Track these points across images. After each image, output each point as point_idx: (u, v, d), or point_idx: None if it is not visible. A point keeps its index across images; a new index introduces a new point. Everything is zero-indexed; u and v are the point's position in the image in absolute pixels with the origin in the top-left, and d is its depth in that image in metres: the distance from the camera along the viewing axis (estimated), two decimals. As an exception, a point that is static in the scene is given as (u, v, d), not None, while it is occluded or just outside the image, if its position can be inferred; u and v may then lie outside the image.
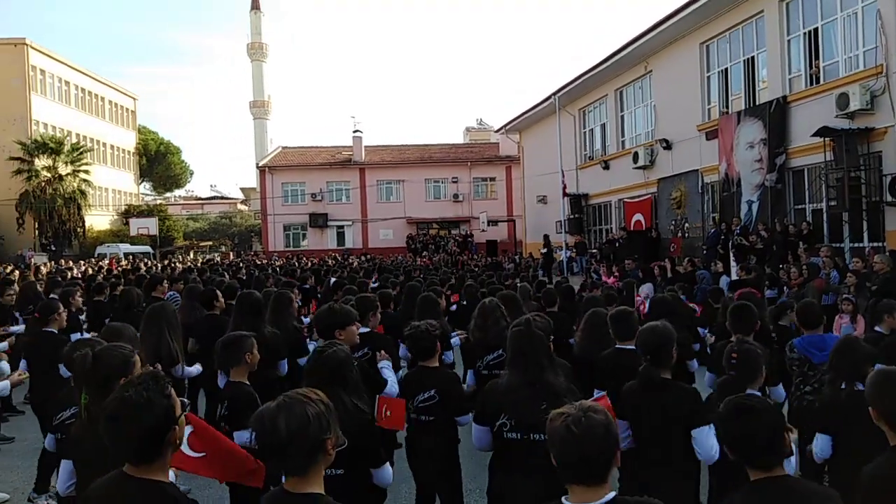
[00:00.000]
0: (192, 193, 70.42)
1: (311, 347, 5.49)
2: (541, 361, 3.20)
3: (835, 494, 2.15)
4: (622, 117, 23.23)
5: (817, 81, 14.35)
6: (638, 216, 21.50)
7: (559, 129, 24.98)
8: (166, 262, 27.69)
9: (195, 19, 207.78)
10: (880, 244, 12.38)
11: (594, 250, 23.25)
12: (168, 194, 57.75)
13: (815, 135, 13.21)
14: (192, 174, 55.37)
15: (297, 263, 22.02)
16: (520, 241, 33.19)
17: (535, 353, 3.21)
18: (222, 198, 72.12)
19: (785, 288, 10.35)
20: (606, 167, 23.70)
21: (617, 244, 20.32)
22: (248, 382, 3.94)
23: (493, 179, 40.47)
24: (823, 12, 14.08)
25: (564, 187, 24.72)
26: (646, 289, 10.10)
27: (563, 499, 1.99)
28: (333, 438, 2.04)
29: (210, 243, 49.01)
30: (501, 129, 34.01)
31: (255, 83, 77.92)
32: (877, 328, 5.22)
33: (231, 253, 37.71)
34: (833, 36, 13.98)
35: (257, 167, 41.65)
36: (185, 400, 2.22)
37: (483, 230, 34.54)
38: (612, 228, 23.58)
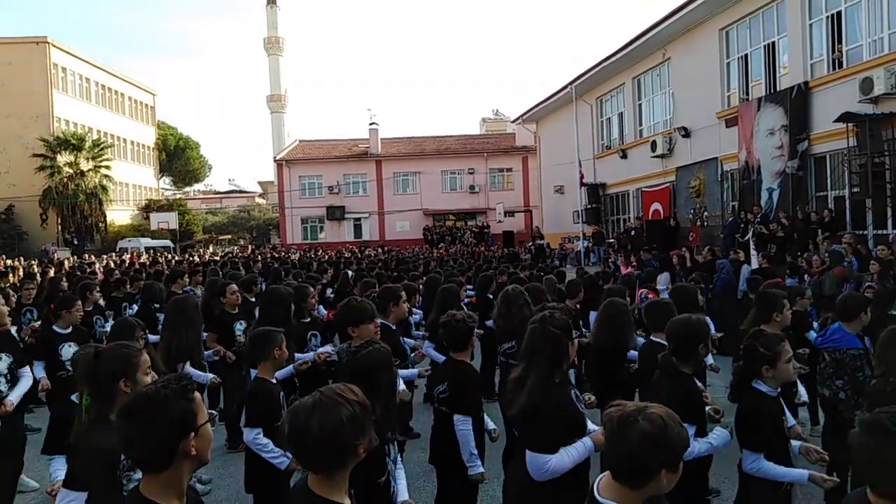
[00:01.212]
0: (210, 187, 71.02)
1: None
2: (539, 361, 3.09)
3: None
4: (640, 105, 22.97)
5: (840, 66, 14.07)
6: (656, 205, 21.29)
7: (576, 118, 24.79)
8: (186, 255, 28.02)
9: (209, 11, 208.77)
10: (905, 231, 12.16)
11: (612, 240, 23.09)
12: (187, 188, 58.32)
13: (837, 120, 12.98)
14: (210, 168, 55.95)
15: (313, 256, 22.14)
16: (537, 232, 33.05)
17: (539, 351, 3.11)
18: (240, 191, 72.61)
19: (806, 276, 10.20)
20: (624, 156, 23.49)
21: (632, 233, 20.16)
22: (273, 380, 3.91)
23: (509, 170, 40.30)
24: (847, -6, 13.80)
25: (582, 177, 24.53)
26: (663, 278, 10.00)
27: (596, 486, 2.03)
28: (366, 442, 1.98)
29: (229, 237, 49.45)
30: (518, 119, 33.82)
31: (272, 77, 78.22)
32: (892, 312, 5.14)
33: (250, 246, 38.04)
34: (857, 19, 13.69)
35: (275, 161, 41.89)
36: (213, 412, 2.14)
37: (499, 221, 34.47)
38: (629, 218, 23.40)
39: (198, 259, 22.41)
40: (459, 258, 20.89)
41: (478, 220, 37.83)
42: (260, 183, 70.72)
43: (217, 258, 22.90)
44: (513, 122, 37.63)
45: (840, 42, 14.12)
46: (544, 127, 31.40)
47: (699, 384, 3.50)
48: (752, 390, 3.28)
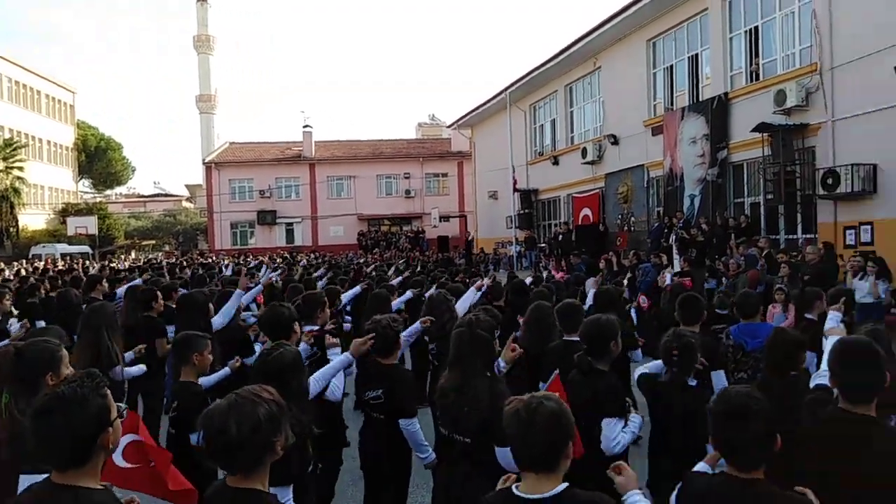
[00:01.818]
0: (133, 191, 68.39)
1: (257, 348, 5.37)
2: (475, 365, 3.23)
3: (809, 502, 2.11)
4: (571, 113, 23.50)
5: (757, 78, 14.79)
6: (586, 210, 21.81)
7: (510, 124, 25.15)
8: (106, 261, 26.76)
9: (135, 8, 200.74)
10: (813, 236, 12.87)
11: (543, 245, 23.49)
12: (108, 192, 55.72)
13: (753, 130, 13.60)
14: (134, 171, 53.71)
15: (243, 262, 21.49)
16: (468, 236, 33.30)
17: (472, 355, 3.25)
18: (166, 195, 70.09)
19: (724, 279, 10.68)
20: (556, 162, 23.96)
21: (560, 238, 20.59)
22: (198, 382, 3.88)
23: (444, 175, 40.48)
24: (763, 11, 14.52)
25: (515, 183, 24.88)
26: (590, 282, 10.22)
27: (513, 487, 2.05)
28: (283, 440, 2.02)
29: (153, 242, 47.60)
30: (453, 124, 34.03)
31: (202, 76, 75.83)
32: (807, 315, 5.40)
33: (176, 252, 36.68)
34: (772, 34, 14.44)
35: (203, 163, 40.59)
36: (122, 405, 2.12)
37: (435, 226, 34.52)
38: (561, 223, 23.89)
39: (118, 266, 21.39)
40: (394, 263, 20.74)
41: (413, 225, 37.80)
42: (187, 186, 68.36)
43: (139, 264, 21.95)
44: (448, 127, 37.85)
45: (757, 55, 14.85)
46: (479, 132, 31.70)
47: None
48: (700, 385, 3.56)
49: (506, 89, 25.39)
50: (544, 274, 14.55)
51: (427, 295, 6.20)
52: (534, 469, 2.03)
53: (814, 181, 12.65)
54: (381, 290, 6.97)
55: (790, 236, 13.67)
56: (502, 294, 6.99)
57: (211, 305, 5.52)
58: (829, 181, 11.87)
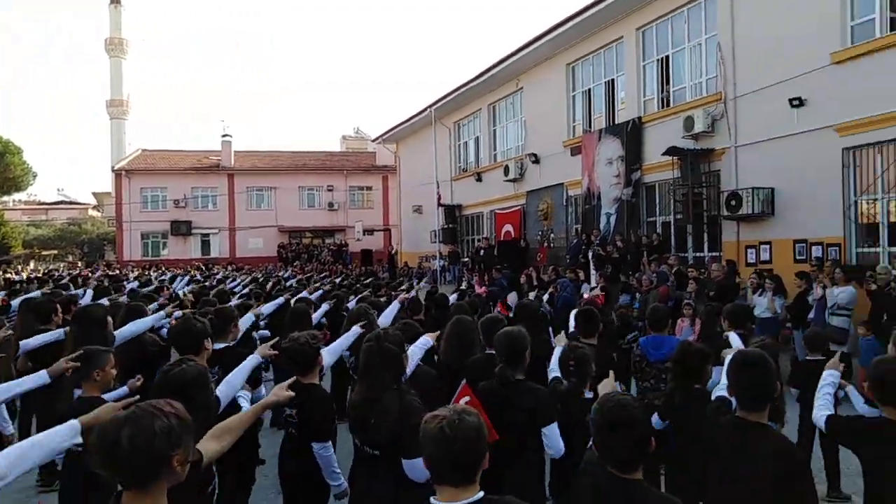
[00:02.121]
0: (34, 198, 64.13)
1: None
2: (384, 378, 3.26)
3: (677, 502, 2.27)
4: (495, 131, 23.95)
5: (668, 104, 15.57)
6: (508, 227, 22.21)
7: (435, 140, 25.33)
8: (0, 272, 24.89)
9: (44, 8, 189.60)
10: (718, 254, 13.64)
11: (466, 259, 23.73)
12: (6, 198, 51.93)
13: (664, 154, 14.27)
14: (35, 177, 50.07)
15: (151, 274, 20.53)
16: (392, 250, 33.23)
17: (380, 368, 3.28)
18: (70, 203, 66.12)
19: (637, 294, 11.12)
20: (479, 179, 24.31)
21: (481, 253, 20.90)
22: (102, 397, 3.65)
23: (369, 189, 40.26)
24: (674, 41, 15.34)
25: (439, 198, 25.06)
26: (512, 297, 10.45)
27: (431, 499, 2.04)
28: (182, 454, 1.92)
29: (55, 252, 44.68)
30: (378, 138, 33.93)
31: (114, 81, 72.35)
32: (719, 330, 5.69)
33: (80, 262, 34.54)
34: (681, 64, 15.27)
35: (113, 170, 38.61)
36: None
37: (358, 239, 34.23)
38: (483, 238, 24.21)
39: (14, 276, 19.95)
40: (315, 276, 20.37)
41: (336, 238, 37.31)
42: (95, 194, 64.78)
43: (39, 275, 20.54)
44: (373, 140, 37.71)
45: (668, 83, 15.65)
46: (404, 147, 31.77)
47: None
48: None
49: (430, 106, 25.59)
50: (464, 285, 14.71)
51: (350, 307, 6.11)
52: (454, 483, 2.03)
53: (719, 203, 13.37)
54: (301, 305, 6.82)
55: (698, 254, 14.41)
56: (422, 308, 7.00)
57: (110, 319, 5.22)
58: (733, 203, 12.60)
